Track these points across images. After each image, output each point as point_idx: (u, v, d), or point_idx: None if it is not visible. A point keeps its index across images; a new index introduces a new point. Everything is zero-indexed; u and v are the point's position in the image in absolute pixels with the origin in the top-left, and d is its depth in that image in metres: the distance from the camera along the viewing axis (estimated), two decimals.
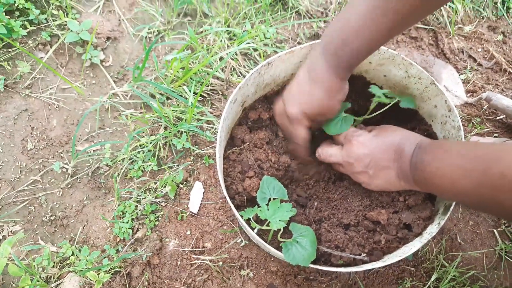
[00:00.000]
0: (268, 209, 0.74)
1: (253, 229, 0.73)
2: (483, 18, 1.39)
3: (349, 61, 0.71)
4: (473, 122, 1.19)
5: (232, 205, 0.73)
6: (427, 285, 0.99)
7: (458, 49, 1.27)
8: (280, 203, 0.76)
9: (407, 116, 0.95)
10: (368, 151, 0.77)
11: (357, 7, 0.66)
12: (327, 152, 0.85)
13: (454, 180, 0.60)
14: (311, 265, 0.70)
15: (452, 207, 0.76)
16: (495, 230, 1.07)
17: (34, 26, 1.16)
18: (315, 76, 0.75)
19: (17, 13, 1.15)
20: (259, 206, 0.77)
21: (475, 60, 1.30)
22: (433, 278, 0.99)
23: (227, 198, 0.74)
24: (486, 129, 1.17)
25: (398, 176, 0.75)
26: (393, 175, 0.75)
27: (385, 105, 0.81)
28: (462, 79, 1.26)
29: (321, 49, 0.73)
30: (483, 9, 1.39)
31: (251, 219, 0.76)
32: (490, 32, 1.36)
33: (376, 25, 0.64)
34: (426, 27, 1.31)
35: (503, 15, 1.40)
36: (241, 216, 0.74)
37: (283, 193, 0.79)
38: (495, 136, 1.15)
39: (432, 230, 0.75)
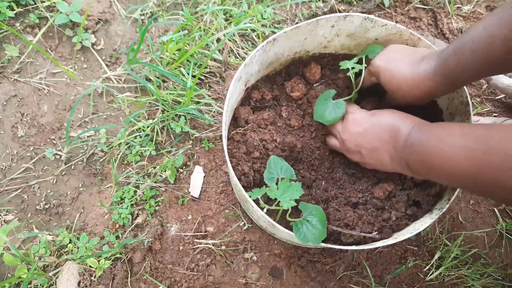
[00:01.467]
0: (277, 189, 0.72)
1: (262, 209, 0.71)
2: None
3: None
4: (472, 102, 1.19)
5: (240, 186, 0.71)
6: (430, 264, 0.99)
7: (457, 29, 1.27)
8: (289, 183, 0.74)
9: None
10: (361, 130, 0.76)
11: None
12: (333, 125, 0.86)
13: (455, 161, 0.57)
14: (323, 244, 0.69)
15: None
16: (495, 209, 1.07)
17: (21, 8, 1.11)
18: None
19: None
20: (266, 187, 0.75)
21: None
22: (436, 257, 0.99)
23: (235, 178, 0.72)
24: (485, 109, 1.17)
25: (391, 158, 0.72)
26: (386, 157, 0.73)
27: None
28: None
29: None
30: None
31: (260, 199, 0.74)
32: (488, 12, 1.35)
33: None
34: (425, 7, 1.30)
35: None
36: (250, 197, 0.72)
37: (291, 172, 0.77)
38: (494, 116, 1.16)
39: (442, 205, 0.74)
